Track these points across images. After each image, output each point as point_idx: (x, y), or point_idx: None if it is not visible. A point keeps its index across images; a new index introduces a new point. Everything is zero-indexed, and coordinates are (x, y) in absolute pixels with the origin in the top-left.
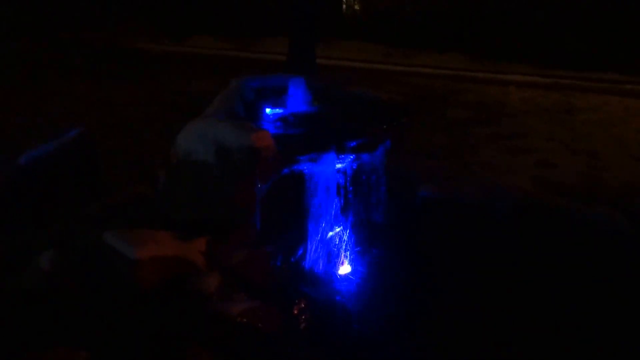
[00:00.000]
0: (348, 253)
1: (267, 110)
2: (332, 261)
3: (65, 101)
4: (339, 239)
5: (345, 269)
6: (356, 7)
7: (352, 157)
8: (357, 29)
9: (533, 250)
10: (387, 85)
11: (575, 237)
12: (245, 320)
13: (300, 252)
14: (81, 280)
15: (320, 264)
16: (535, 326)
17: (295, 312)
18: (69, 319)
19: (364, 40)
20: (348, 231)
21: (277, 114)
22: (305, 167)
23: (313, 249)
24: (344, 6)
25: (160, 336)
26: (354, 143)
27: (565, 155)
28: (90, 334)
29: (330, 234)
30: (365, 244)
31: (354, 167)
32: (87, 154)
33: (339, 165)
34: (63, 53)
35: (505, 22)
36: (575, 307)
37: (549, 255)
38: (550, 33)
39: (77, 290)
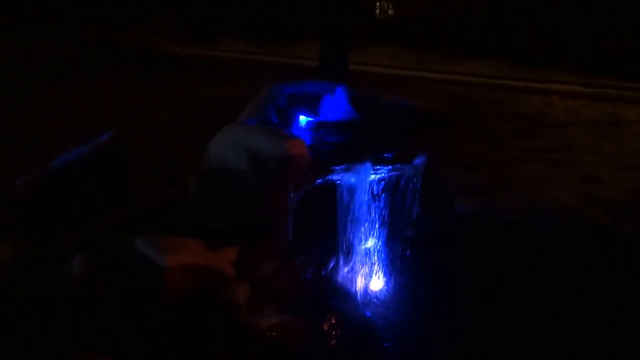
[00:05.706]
0: (381, 267)
1: (301, 117)
2: (365, 275)
3: (93, 104)
4: (372, 252)
5: (378, 283)
6: (390, 12)
7: (388, 168)
8: (391, 35)
9: (577, 271)
10: (421, 93)
11: (623, 258)
12: (274, 334)
13: (332, 264)
14: (110, 286)
15: (352, 278)
16: (579, 348)
17: (325, 327)
18: (97, 324)
19: (397, 46)
20: (381, 244)
21: (312, 121)
22: (339, 177)
23: (345, 262)
24: (377, 11)
25: (187, 346)
26: (391, 154)
27: (613, 170)
28: (117, 340)
29: (363, 246)
30: (399, 259)
31: (390, 179)
32: (118, 158)
33: (374, 177)
34: (91, 55)
35: (546, 27)
36: (623, 334)
37: (594, 276)
38: (595, 38)
39: (106, 296)
